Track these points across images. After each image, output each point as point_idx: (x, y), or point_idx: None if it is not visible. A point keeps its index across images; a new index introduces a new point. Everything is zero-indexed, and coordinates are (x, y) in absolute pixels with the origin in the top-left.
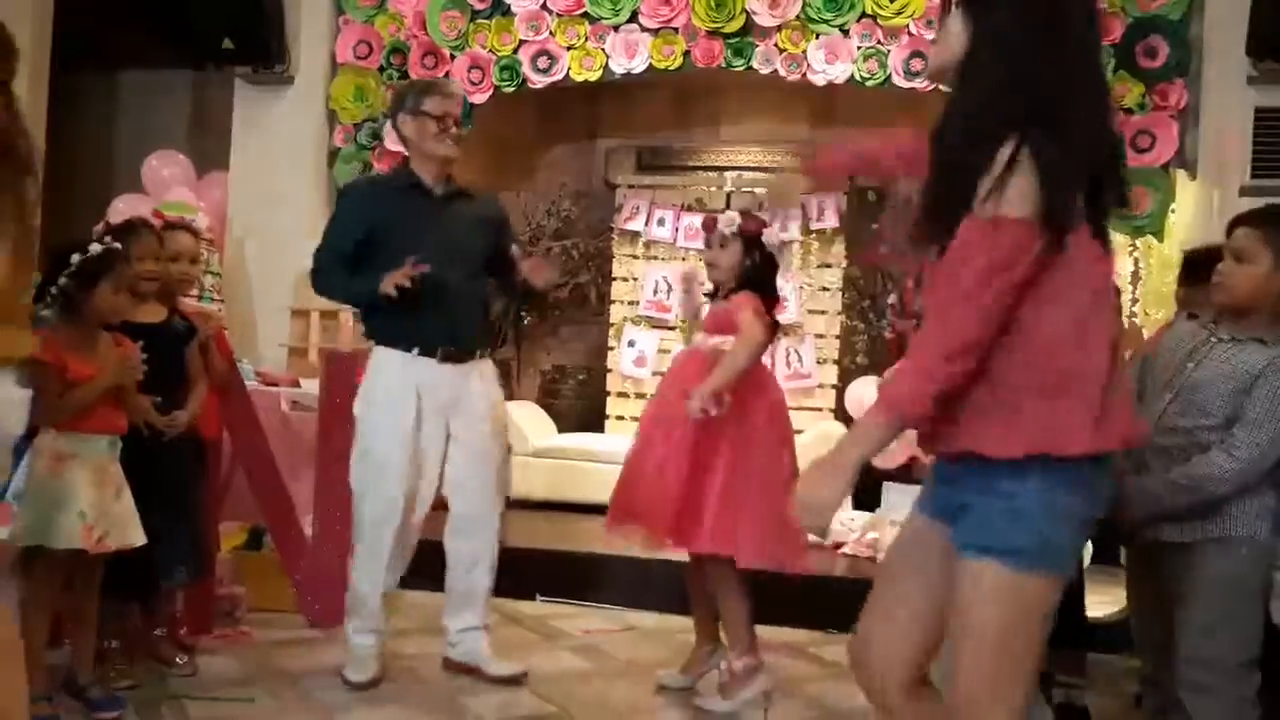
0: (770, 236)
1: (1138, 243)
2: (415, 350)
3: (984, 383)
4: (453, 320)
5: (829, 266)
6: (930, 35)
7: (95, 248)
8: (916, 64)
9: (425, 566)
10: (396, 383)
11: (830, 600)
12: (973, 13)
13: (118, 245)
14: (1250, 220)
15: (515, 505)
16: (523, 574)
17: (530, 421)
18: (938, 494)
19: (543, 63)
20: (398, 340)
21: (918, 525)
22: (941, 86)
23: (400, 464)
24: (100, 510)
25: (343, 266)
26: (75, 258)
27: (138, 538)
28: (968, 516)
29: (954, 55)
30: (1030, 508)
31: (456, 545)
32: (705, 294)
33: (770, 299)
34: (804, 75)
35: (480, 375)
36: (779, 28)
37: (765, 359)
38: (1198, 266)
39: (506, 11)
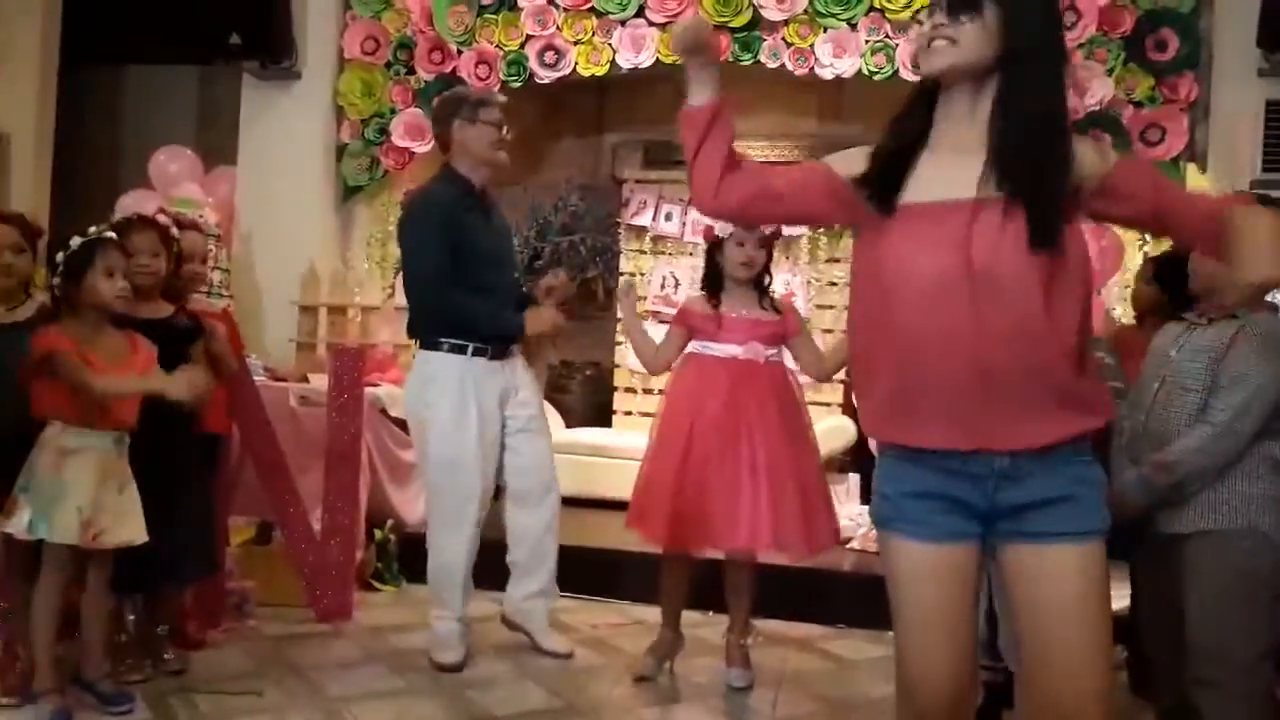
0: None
1: (1146, 236)
2: (471, 351)
3: (1082, 362)
4: (503, 321)
5: (837, 261)
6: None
7: (75, 241)
8: None
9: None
10: (456, 383)
11: (839, 595)
12: (1007, 11)
13: (108, 234)
14: None
15: None
16: None
17: None
18: (952, 510)
19: (550, 57)
20: (452, 343)
21: (938, 559)
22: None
23: (473, 460)
24: (99, 506)
25: (452, 286)
26: (60, 256)
27: (137, 536)
28: (1067, 506)
29: (989, 52)
30: (1102, 486)
31: (523, 520)
32: (704, 296)
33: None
34: (811, 69)
35: (522, 365)
36: (786, 22)
37: (773, 354)
38: (1168, 268)
39: (513, 6)
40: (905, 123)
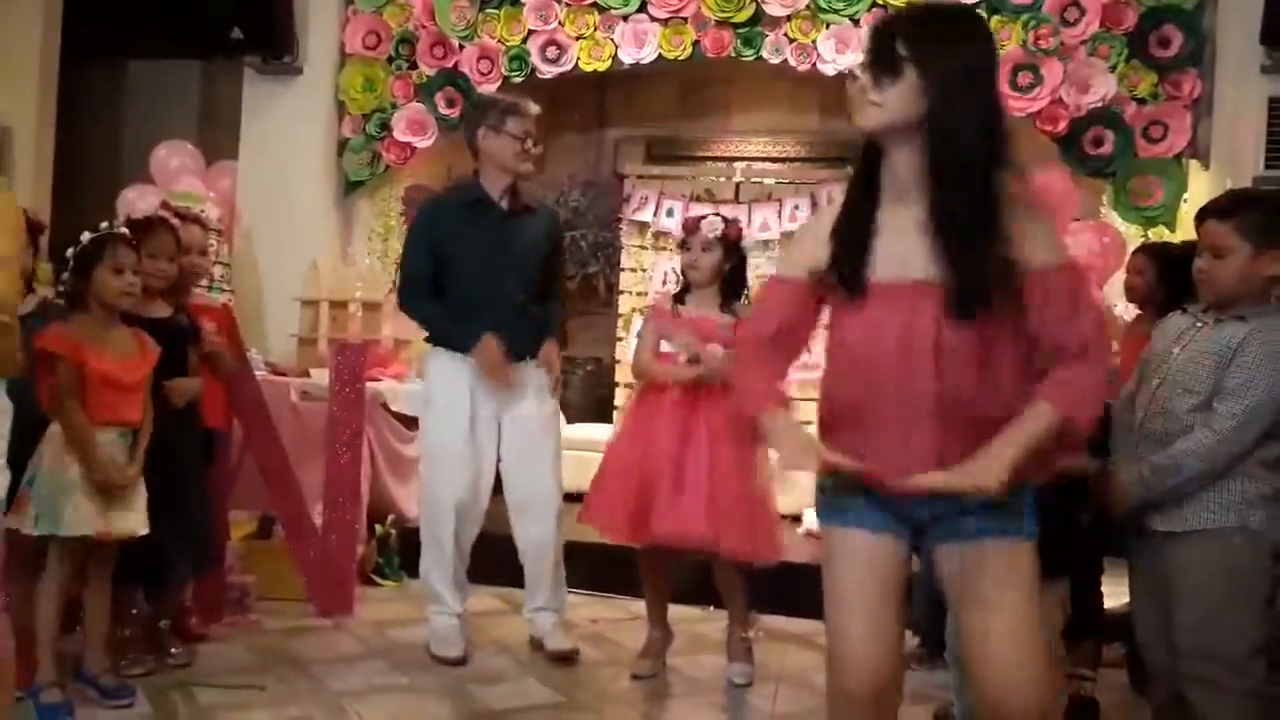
0: (746, 240)
1: (1149, 234)
2: (468, 353)
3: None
4: (506, 331)
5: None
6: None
7: (85, 237)
8: None
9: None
10: (451, 385)
11: None
12: (931, 73)
13: (119, 231)
14: (1217, 212)
15: None
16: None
17: None
18: (882, 507)
19: (551, 53)
20: (453, 344)
21: (870, 546)
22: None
23: (456, 461)
24: (106, 499)
25: (426, 287)
26: (70, 252)
27: (140, 528)
28: (984, 510)
29: (912, 113)
30: (1029, 492)
31: (520, 533)
32: (675, 294)
33: (743, 297)
34: (814, 65)
35: (530, 378)
36: (789, 17)
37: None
38: (1173, 264)
39: (515, 1)
40: (857, 192)
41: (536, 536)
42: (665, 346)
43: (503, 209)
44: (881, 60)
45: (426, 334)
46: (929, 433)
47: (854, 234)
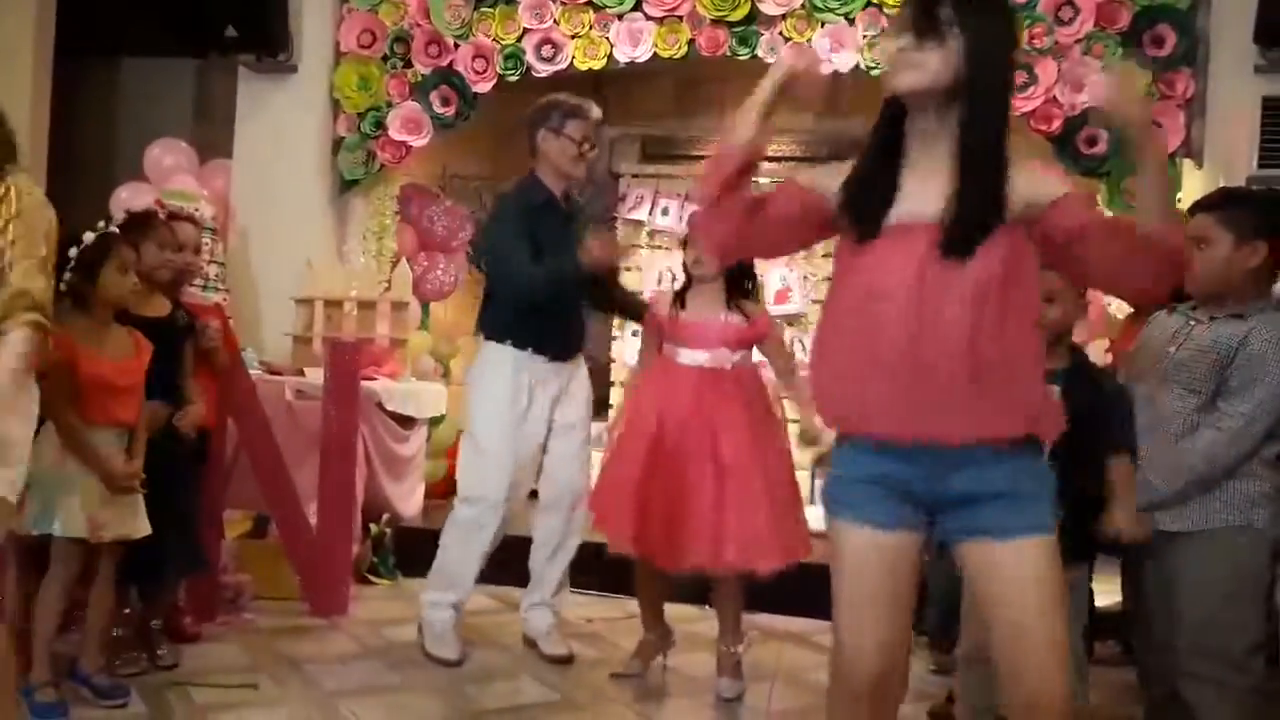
0: None
1: None
2: (530, 349)
3: (1035, 365)
4: (567, 325)
5: (832, 256)
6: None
7: (89, 236)
8: None
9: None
10: (510, 377)
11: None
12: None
13: (114, 230)
14: (1206, 205)
15: None
16: (526, 562)
17: None
18: (897, 498)
19: (547, 51)
20: (514, 338)
21: (881, 545)
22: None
23: (505, 450)
24: (103, 501)
25: (528, 256)
26: (73, 251)
27: (140, 530)
28: (1005, 502)
29: (951, 76)
30: (1051, 487)
31: (544, 525)
32: (676, 292)
33: (749, 290)
34: None
35: (581, 372)
36: (784, 16)
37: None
38: None
39: (510, 0)
40: (878, 145)
41: (562, 531)
42: (664, 348)
43: (563, 209)
44: (926, 22)
45: (480, 324)
46: (924, 380)
47: (874, 183)
